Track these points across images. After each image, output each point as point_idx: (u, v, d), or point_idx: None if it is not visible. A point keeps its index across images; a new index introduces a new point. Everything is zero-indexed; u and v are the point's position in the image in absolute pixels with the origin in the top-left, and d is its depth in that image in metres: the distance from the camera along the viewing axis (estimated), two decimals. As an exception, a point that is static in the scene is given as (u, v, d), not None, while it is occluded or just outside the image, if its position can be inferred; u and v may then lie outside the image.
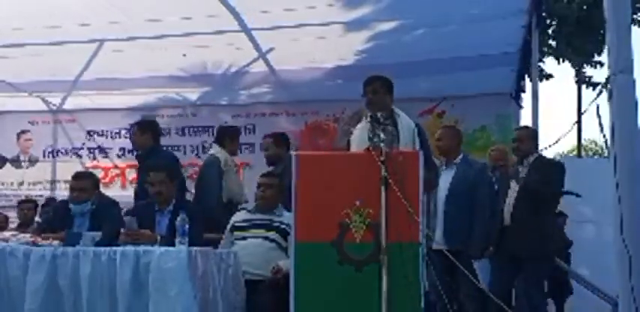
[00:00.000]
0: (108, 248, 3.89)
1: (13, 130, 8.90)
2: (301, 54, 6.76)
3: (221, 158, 5.84)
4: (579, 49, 14.01)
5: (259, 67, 7.12)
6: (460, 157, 5.35)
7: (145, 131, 5.79)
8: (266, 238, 4.70)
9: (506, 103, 7.55)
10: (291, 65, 7.13)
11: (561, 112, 53.08)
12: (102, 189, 5.56)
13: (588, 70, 15.20)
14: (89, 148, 8.70)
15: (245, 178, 7.10)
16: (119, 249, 3.86)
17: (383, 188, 3.69)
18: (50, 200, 7.68)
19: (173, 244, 3.91)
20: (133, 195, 5.85)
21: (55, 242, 4.18)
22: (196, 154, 8.31)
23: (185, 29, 6.07)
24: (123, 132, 8.31)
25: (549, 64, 15.46)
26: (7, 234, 4.51)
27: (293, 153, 4.17)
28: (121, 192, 7.88)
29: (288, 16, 5.78)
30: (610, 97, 2.89)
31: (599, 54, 14.13)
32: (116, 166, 8.54)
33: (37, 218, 7.12)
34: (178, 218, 3.98)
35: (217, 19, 5.80)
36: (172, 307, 3.62)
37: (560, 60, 14.65)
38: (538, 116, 6.33)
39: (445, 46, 6.33)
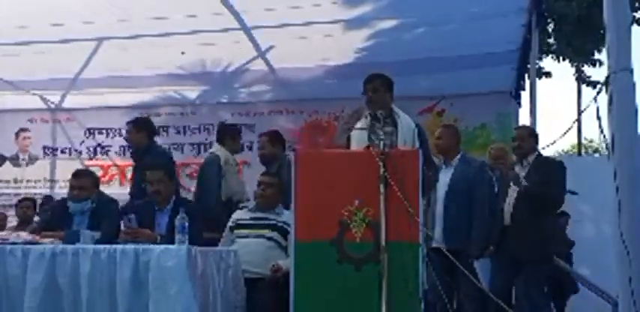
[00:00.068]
0: (107, 246, 3.88)
1: (12, 128, 8.88)
2: (301, 52, 6.75)
3: (221, 157, 5.83)
4: (579, 47, 14.01)
5: (259, 65, 7.11)
6: (459, 155, 5.35)
7: (141, 129, 5.81)
8: (266, 236, 4.70)
9: (506, 101, 7.55)
10: (291, 63, 7.11)
11: (561, 110, 53.07)
12: (101, 187, 5.55)
13: (588, 69, 15.22)
14: (88, 147, 8.68)
15: (244, 177, 7.09)
16: (119, 247, 3.85)
17: (382, 187, 3.69)
18: (47, 199, 7.67)
19: (173, 243, 3.90)
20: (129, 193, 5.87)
21: (55, 240, 4.17)
22: (196, 153, 8.30)
23: (184, 28, 6.06)
24: (122, 130, 8.27)
25: (549, 62, 15.48)
26: (6, 232, 4.50)
27: (292, 151, 4.18)
28: (121, 190, 7.85)
29: (287, 15, 5.77)
30: (610, 97, 2.88)
31: (599, 52, 14.13)
32: (115, 165, 8.53)
33: (35, 217, 7.11)
34: (178, 217, 3.98)
35: (217, 18, 5.79)
36: (172, 306, 3.62)
37: (560, 58, 14.65)
38: (536, 114, 6.33)
39: (445, 44, 6.32)
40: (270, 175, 5.00)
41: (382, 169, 3.69)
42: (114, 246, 3.89)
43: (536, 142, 5.35)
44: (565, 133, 3.51)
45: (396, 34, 6.31)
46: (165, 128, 8.40)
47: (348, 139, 4.58)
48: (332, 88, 7.51)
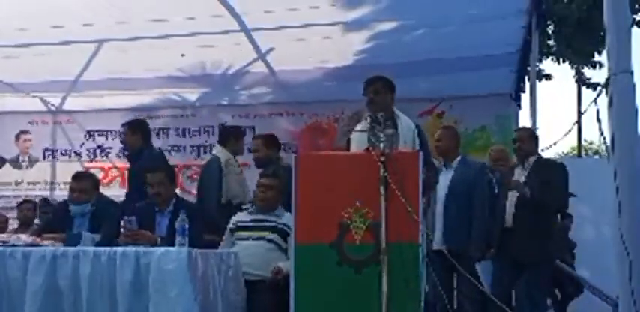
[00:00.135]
0: (108, 249, 3.89)
1: (12, 130, 8.88)
2: (301, 54, 6.76)
3: (222, 159, 5.83)
4: (579, 49, 14.01)
5: (259, 67, 7.11)
6: (459, 157, 5.35)
7: (136, 132, 5.80)
8: (266, 239, 4.70)
9: (506, 103, 7.55)
10: (291, 66, 7.12)
11: (561, 112, 53.08)
12: (102, 189, 5.56)
13: (588, 71, 15.21)
14: (89, 149, 8.69)
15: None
16: (119, 249, 3.86)
17: (383, 189, 3.69)
18: (44, 202, 7.65)
19: (173, 245, 3.90)
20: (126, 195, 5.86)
21: (56, 243, 4.18)
22: (196, 155, 8.31)
23: (184, 30, 6.06)
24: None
25: (549, 64, 15.48)
26: (6, 235, 4.50)
27: (292, 154, 4.18)
28: (121, 192, 7.81)
29: (287, 17, 5.77)
30: (610, 99, 2.89)
31: (599, 54, 14.13)
32: (116, 167, 8.52)
33: (36, 220, 7.11)
34: (178, 219, 3.98)
35: (217, 20, 5.79)
36: (172, 308, 3.62)
37: (560, 60, 14.65)
38: (536, 117, 6.34)
39: (445, 46, 6.33)
40: (269, 178, 5.00)
41: (382, 171, 3.70)
42: (114, 248, 3.89)
43: (537, 144, 5.35)
44: (565, 135, 3.52)
45: (395, 36, 6.31)
46: (165, 130, 8.42)
47: (348, 141, 4.58)
48: (332, 90, 7.51)
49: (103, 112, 8.52)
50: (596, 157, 25.73)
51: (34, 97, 8.30)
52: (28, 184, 8.76)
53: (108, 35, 6.27)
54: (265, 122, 8.12)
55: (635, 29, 13.34)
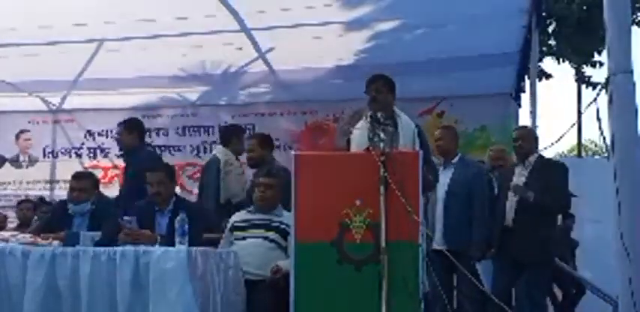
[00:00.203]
0: (107, 248, 3.89)
1: (12, 129, 8.88)
2: (301, 54, 6.76)
3: (221, 158, 5.82)
4: (579, 48, 14.01)
5: (259, 66, 7.12)
6: (458, 157, 5.36)
7: (132, 131, 5.78)
8: (266, 238, 4.70)
9: (506, 103, 7.55)
10: (291, 65, 7.12)
11: (561, 111, 53.10)
12: (101, 189, 5.55)
13: (588, 70, 15.21)
14: (89, 148, 8.69)
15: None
16: (119, 249, 3.86)
17: (383, 188, 3.69)
18: (40, 201, 7.64)
19: (173, 244, 3.90)
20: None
21: (55, 242, 4.18)
22: (196, 154, 8.31)
23: (185, 29, 6.06)
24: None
25: (549, 63, 15.48)
26: (6, 234, 4.50)
27: (293, 153, 4.18)
28: (121, 192, 7.88)
29: (287, 16, 5.77)
30: (610, 98, 2.89)
31: (599, 54, 14.13)
32: (115, 166, 8.51)
33: (35, 218, 7.10)
34: (178, 218, 3.98)
35: (217, 19, 5.80)
36: (172, 307, 3.62)
37: (560, 60, 14.65)
38: (536, 116, 6.33)
39: (445, 45, 6.33)
40: (269, 177, 4.99)
41: (382, 171, 3.70)
42: (114, 248, 3.89)
43: (537, 143, 5.35)
44: (564, 134, 3.51)
45: (396, 36, 6.31)
46: (165, 130, 8.42)
47: (348, 140, 4.58)
48: (332, 89, 7.51)
49: (103, 112, 8.52)
50: (597, 156, 25.75)
51: (34, 96, 8.29)
52: (28, 183, 8.76)
53: (108, 35, 6.28)
54: (265, 121, 8.13)
55: (635, 28, 13.35)
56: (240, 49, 6.54)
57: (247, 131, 6.91)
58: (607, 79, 2.94)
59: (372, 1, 5.64)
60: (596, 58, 14.40)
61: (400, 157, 3.81)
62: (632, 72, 2.89)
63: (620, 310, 2.82)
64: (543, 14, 6.15)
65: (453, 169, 5.27)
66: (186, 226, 3.91)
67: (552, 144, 3.70)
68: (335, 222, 3.80)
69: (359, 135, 4.45)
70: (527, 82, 7.05)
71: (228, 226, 4.91)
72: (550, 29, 13.79)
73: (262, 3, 5.59)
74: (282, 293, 4.02)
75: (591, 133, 33.28)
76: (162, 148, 8.35)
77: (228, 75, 7.43)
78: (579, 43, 13.79)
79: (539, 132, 5.75)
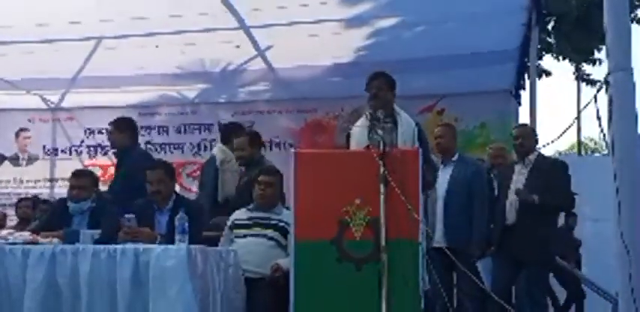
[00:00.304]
0: (107, 246, 3.88)
1: (11, 128, 8.86)
2: (300, 51, 6.75)
3: (218, 157, 5.79)
4: (578, 46, 14.02)
5: (258, 64, 7.11)
6: (457, 155, 5.36)
7: (123, 130, 5.72)
8: (265, 236, 4.70)
9: (506, 100, 7.54)
10: (290, 63, 7.11)
11: (560, 109, 53.06)
12: (101, 187, 5.54)
13: (587, 68, 15.22)
14: (88, 146, 8.68)
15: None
16: (119, 247, 3.85)
17: (382, 186, 3.69)
18: (35, 199, 7.62)
19: (173, 243, 3.90)
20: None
21: (55, 240, 4.17)
22: (196, 152, 8.30)
23: (184, 27, 6.06)
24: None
25: (548, 61, 15.51)
26: (5, 232, 4.50)
27: (292, 151, 4.17)
28: (120, 190, 7.87)
29: (286, 14, 5.76)
30: (610, 100, 2.88)
31: (599, 51, 14.14)
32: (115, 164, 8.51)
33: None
34: (178, 216, 3.98)
35: (216, 17, 5.79)
36: (172, 305, 3.62)
37: (560, 57, 14.66)
38: (536, 113, 6.33)
39: (445, 43, 6.32)
40: (269, 175, 4.98)
41: (382, 169, 3.69)
42: (114, 246, 3.89)
43: (537, 141, 5.35)
44: (564, 131, 3.50)
45: (395, 33, 6.31)
46: (164, 128, 8.41)
47: (348, 138, 4.58)
48: (332, 87, 7.50)
49: (102, 110, 8.49)
50: (596, 154, 25.76)
51: (33, 94, 8.28)
52: (28, 181, 8.75)
53: (107, 33, 6.27)
54: (265, 119, 8.11)
55: (634, 26, 13.34)
56: (238, 46, 6.53)
57: (247, 129, 6.89)
58: (606, 77, 2.93)
59: (371, -2, 5.64)
60: (596, 55, 14.41)
61: (400, 155, 3.81)
62: (631, 70, 2.88)
63: (620, 307, 2.82)
64: (543, 12, 6.13)
65: (452, 168, 5.26)
66: (186, 225, 3.91)
67: (552, 141, 3.69)
68: (335, 220, 3.80)
69: (359, 133, 4.45)
70: (527, 80, 7.04)
71: (228, 224, 4.91)
72: (549, 27, 13.79)
73: (261, 1, 5.58)
74: (282, 291, 4.02)
75: (590, 131, 33.31)
76: (162, 146, 8.35)
77: (228, 73, 7.43)
78: (578, 40, 13.80)
79: (538, 130, 5.75)
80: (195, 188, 7.33)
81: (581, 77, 15.94)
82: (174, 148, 8.30)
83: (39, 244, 4.05)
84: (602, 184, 3.38)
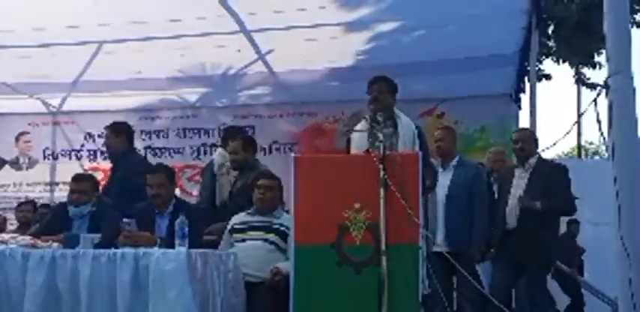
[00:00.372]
0: (107, 250, 3.88)
1: (12, 132, 8.87)
2: (301, 55, 6.76)
3: (216, 161, 5.78)
4: (578, 49, 14.03)
5: (258, 68, 7.12)
6: (456, 158, 5.35)
7: (120, 134, 5.70)
8: (265, 240, 4.69)
9: (506, 104, 7.54)
10: (291, 66, 7.12)
11: (561, 112, 53.10)
12: (101, 191, 5.54)
13: (587, 71, 15.22)
14: (88, 150, 8.68)
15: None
16: (118, 251, 3.85)
17: (382, 190, 3.69)
18: (29, 203, 7.58)
19: (173, 247, 3.90)
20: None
21: (55, 244, 4.17)
22: (196, 156, 8.30)
23: (185, 31, 6.06)
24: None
25: (548, 64, 15.53)
26: (6, 236, 4.49)
27: (292, 154, 4.18)
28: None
29: (287, 18, 5.77)
30: (610, 104, 2.88)
31: (599, 55, 14.15)
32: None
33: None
34: (178, 220, 3.98)
35: (217, 21, 5.79)
36: (172, 309, 3.62)
37: (560, 61, 14.67)
38: (536, 117, 6.33)
39: (445, 47, 6.32)
40: (269, 178, 4.99)
41: (382, 172, 3.69)
42: (114, 250, 3.89)
43: (537, 145, 5.35)
44: (564, 135, 3.52)
45: (395, 37, 6.31)
46: (165, 131, 8.41)
47: (348, 142, 4.58)
48: (332, 90, 7.51)
49: (102, 114, 8.48)
50: (596, 157, 25.76)
51: (34, 98, 8.29)
52: (28, 185, 8.75)
53: (107, 37, 6.27)
54: (265, 123, 8.13)
55: (634, 30, 13.36)
56: (239, 51, 6.53)
57: (247, 133, 6.90)
58: (606, 80, 2.94)
59: (371, 2, 5.64)
60: (596, 59, 14.42)
61: (400, 159, 3.81)
62: (631, 73, 2.89)
63: (620, 309, 2.82)
64: (543, 15, 6.14)
65: (452, 171, 5.26)
66: (186, 229, 3.91)
67: (554, 144, 3.70)
68: (335, 224, 3.80)
69: (359, 137, 4.45)
70: (527, 84, 7.05)
71: (228, 227, 4.91)
72: (549, 30, 13.81)
73: (262, 5, 5.59)
74: (282, 295, 4.02)
75: (590, 135, 33.30)
76: (162, 150, 8.36)
77: (228, 77, 7.44)
78: (578, 44, 13.81)
79: (538, 133, 5.75)
80: (195, 192, 7.33)
81: (581, 81, 15.95)
82: (175, 152, 8.31)
83: (39, 248, 4.04)
84: (602, 188, 3.38)
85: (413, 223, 3.67)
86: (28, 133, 8.86)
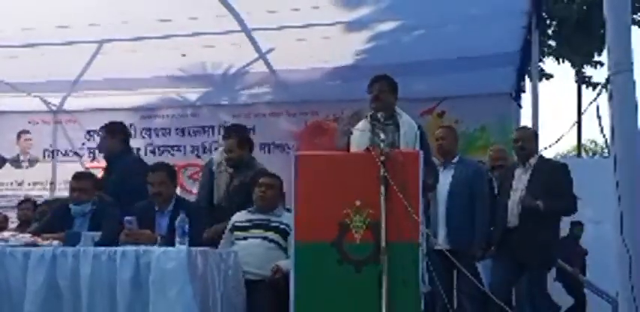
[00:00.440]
0: (108, 248, 3.89)
1: (12, 130, 8.87)
2: (301, 54, 6.76)
3: (215, 160, 5.77)
4: (579, 49, 14.04)
5: (259, 67, 7.12)
6: (457, 157, 5.36)
7: (115, 135, 5.66)
8: (266, 238, 4.70)
9: (506, 103, 7.54)
10: (291, 65, 7.12)
11: (561, 112, 53.09)
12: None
13: (588, 70, 15.23)
14: (89, 149, 8.68)
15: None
16: (119, 249, 3.86)
17: (383, 188, 3.69)
18: (29, 201, 7.59)
19: (173, 245, 3.91)
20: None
21: (55, 242, 4.18)
22: (196, 155, 8.31)
23: (185, 30, 6.07)
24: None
25: (549, 64, 15.55)
26: (6, 234, 4.50)
27: (293, 153, 4.18)
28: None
29: (288, 17, 5.77)
30: (610, 98, 2.89)
31: (599, 54, 14.15)
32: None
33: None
34: (178, 218, 3.98)
35: (217, 20, 5.80)
36: (172, 307, 3.62)
37: (560, 60, 14.68)
38: (538, 116, 6.33)
39: (446, 46, 6.32)
40: (270, 177, 5.00)
41: (382, 171, 3.70)
42: (114, 248, 3.89)
43: (537, 144, 5.34)
44: (565, 134, 3.52)
45: (396, 36, 6.31)
46: (166, 130, 8.42)
47: (349, 141, 4.58)
48: (332, 90, 7.51)
49: (103, 112, 8.48)
50: (596, 156, 25.76)
51: (34, 97, 8.29)
52: (29, 183, 8.76)
53: (108, 35, 6.28)
54: (265, 122, 8.13)
55: (634, 29, 13.36)
56: (240, 47, 6.53)
57: (249, 131, 6.89)
58: (607, 79, 2.94)
59: (372, 1, 5.64)
60: (596, 58, 14.43)
61: (401, 157, 3.81)
62: (632, 71, 2.89)
63: (620, 308, 2.83)
64: (543, 15, 6.14)
65: (453, 170, 5.26)
66: (187, 227, 3.92)
67: (555, 142, 3.70)
68: (335, 222, 3.80)
69: (359, 135, 4.45)
70: (528, 83, 7.05)
71: (229, 226, 4.92)
72: (550, 30, 13.81)
73: (263, 3, 5.59)
74: (282, 293, 4.03)
75: (591, 133, 33.32)
76: (163, 149, 8.36)
77: (229, 75, 7.44)
78: (579, 43, 13.82)
79: (539, 132, 5.75)
80: (195, 190, 7.33)
81: (582, 80, 15.95)
82: (176, 150, 8.32)
83: (40, 246, 4.05)
84: (601, 186, 3.39)
85: (413, 222, 3.67)
86: (29, 131, 8.86)
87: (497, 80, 7.22)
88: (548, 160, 5.51)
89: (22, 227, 6.80)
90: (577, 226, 7.75)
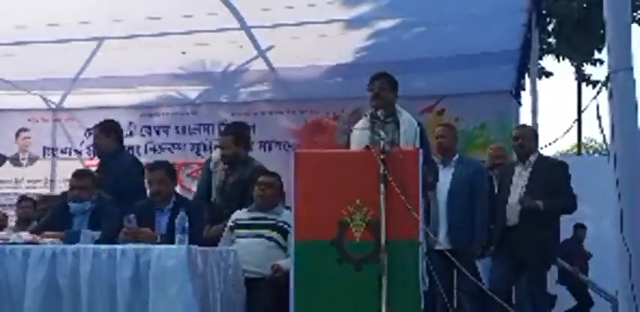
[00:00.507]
0: (108, 246, 3.88)
1: (12, 128, 8.87)
2: (301, 52, 6.75)
3: (213, 158, 5.76)
4: (579, 47, 14.04)
5: (259, 65, 7.11)
6: (457, 155, 5.35)
7: (110, 134, 5.63)
8: (266, 236, 4.70)
9: (506, 101, 7.54)
10: (291, 63, 7.12)
11: (561, 109, 53.05)
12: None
13: (588, 68, 15.22)
14: (89, 147, 8.66)
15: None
16: (119, 247, 3.85)
17: (382, 186, 3.68)
18: (29, 199, 7.57)
19: (173, 243, 3.90)
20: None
21: (55, 240, 4.17)
22: (196, 153, 8.31)
23: (185, 27, 6.06)
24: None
25: (549, 61, 15.57)
26: (6, 232, 4.50)
27: (293, 151, 4.18)
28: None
29: (287, 14, 5.77)
30: (610, 96, 2.88)
31: (599, 52, 14.15)
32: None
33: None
34: (178, 216, 3.98)
35: (217, 17, 5.79)
36: (172, 306, 3.62)
37: (560, 58, 14.67)
38: (537, 114, 6.33)
39: (445, 44, 6.32)
40: (269, 175, 4.99)
41: (382, 169, 3.69)
42: (114, 246, 3.89)
43: (537, 142, 5.34)
44: (565, 133, 3.52)
45: (395, 34, 6.31)
46: (165, 128, 8.42)
47: (349, 139, 4.58)
48: (332, 87, 7.51)
49: (103, 110, 8.45)
50: (596, 154, 25.76)
51: (34, 94, 8.29)
52: (28, 181, 8.75)
53: (108, 33, 6.28)
54: (265, 120, 8.12)
55: (634, 26, 13.35)
56: (241, 46, 6.53)
57: (250, 129, 6.89)
58: (607, 77, 2.93)
59: (371, -1, 5.65)
60: (596, 56, 14.42)
61: (400, 155, 3.80)
62: (632, 69, 2.88)
63: (619, 307, 2.83)
64: (543, 12, 6.14)
65: (453, 168, 5.25)
66: (187, 225, 3.91)
67: (555, 140, 3.70)
68: (335, 221, 3.79)
69: (359, 133, 4.44)
70: (528, 81, 7.04)
71: (229, 224, 4.92)
72: (550, 27, 13.81)
73: (262, 1, 5.59)
74: (282, 292, 4.03)
75: (591, 132, 33.31)
76: (162, 147, 8.36)
77: (228, 73, 7.44)
78: (579, 41, 13.82)
79: (539, 130, 5.75)
80: (194, 188, 7.33)
81: (582, 78, 15.95)
82: (175, 148, 8.32)
83: (39, 245, 4.05)
84: (601, 185, 3.38)
85: (413, 220, 3.67)
86: (29, 129, 8.85)
87: (497, 78, 7.22)
88: (548, 157, 5.50)
89: (21, 225, 6.80)
90: (580, 229, 7.76)
